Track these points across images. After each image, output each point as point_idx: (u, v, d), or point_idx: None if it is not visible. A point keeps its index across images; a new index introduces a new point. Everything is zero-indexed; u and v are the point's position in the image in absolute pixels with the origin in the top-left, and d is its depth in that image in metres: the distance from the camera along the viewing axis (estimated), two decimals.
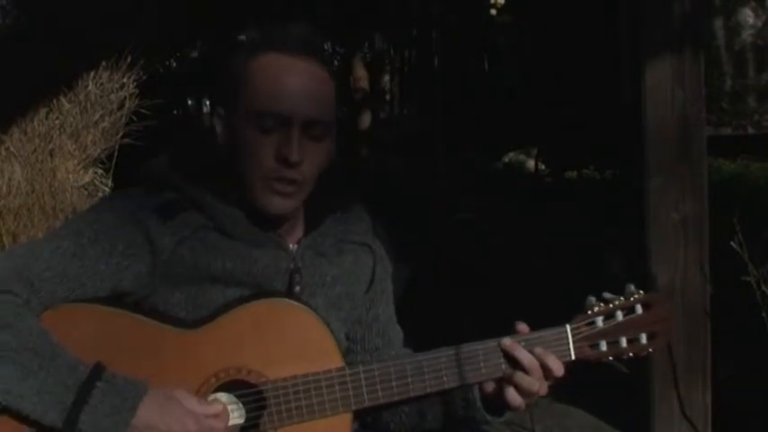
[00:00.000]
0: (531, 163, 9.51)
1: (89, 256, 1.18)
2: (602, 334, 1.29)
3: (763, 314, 2.39)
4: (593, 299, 1.30)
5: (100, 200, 1.28)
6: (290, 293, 1.26)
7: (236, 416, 1.22)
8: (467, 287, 4.72)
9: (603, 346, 1.29)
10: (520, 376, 1.25)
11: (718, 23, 2.58)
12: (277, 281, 1.26)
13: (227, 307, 1.21)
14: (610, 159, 7.35)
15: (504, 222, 6.34)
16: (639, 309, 1.30)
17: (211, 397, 1.20)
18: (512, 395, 1.25)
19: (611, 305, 1.29)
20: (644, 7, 2.52)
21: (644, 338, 1.30)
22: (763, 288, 2.39)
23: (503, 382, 1.26)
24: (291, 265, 1.28)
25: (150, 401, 1.11)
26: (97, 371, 1.11)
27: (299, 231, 1.32)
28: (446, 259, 5.21)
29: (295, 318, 1.23)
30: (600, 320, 1.29)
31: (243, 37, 1.30)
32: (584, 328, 1.28)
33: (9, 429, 1.11)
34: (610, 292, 1.32)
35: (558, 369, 1.26)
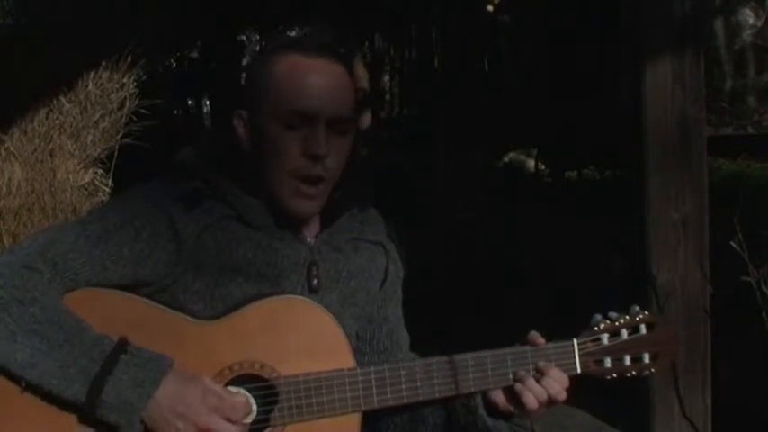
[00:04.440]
0: (531, 163, 9.48)
1: (114, 241, 1.20)
2: (607, 351, 1.33)
3: (763, 314, 2.39)
4: (598, 316, 1.35)
5: (128, 189, 1.31)
6: (308, 286, 1.29)
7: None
8: (466, 287, 4.72)
9: (608, 363, 1.33)
10: (530, 384, 1.28)
11: (718, 23, 2.57)
12: (295, 272, 1.29)
13: (244, 302, 1.23)
14: (610, 159, 7.35)
15: (504, 222, 6.33)
16: (643, 329, 1.35)
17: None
18: (529, 399, 1.28)
19: (616, 323, 1.34)
20: (644, 7, 2.53)
21: (647, 358, 1.35)
22: (763, 288, 2.39)
23: (514, 387, 1.29)
24: (309, 258, 1.30)
25: (174, 376, 1.13)
26: (122, 344, 1.13)
27: (315, 226, 1.35)
28: (445, 259, 5.20)
29: (310, 316, 1.25)
30: (605, 337, 1.33)
31: (261, 41, 1.33)
32: (590, 344, 1.33)
33: (33, 415, 1.12)
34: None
35: (562, 381, 1.29)
